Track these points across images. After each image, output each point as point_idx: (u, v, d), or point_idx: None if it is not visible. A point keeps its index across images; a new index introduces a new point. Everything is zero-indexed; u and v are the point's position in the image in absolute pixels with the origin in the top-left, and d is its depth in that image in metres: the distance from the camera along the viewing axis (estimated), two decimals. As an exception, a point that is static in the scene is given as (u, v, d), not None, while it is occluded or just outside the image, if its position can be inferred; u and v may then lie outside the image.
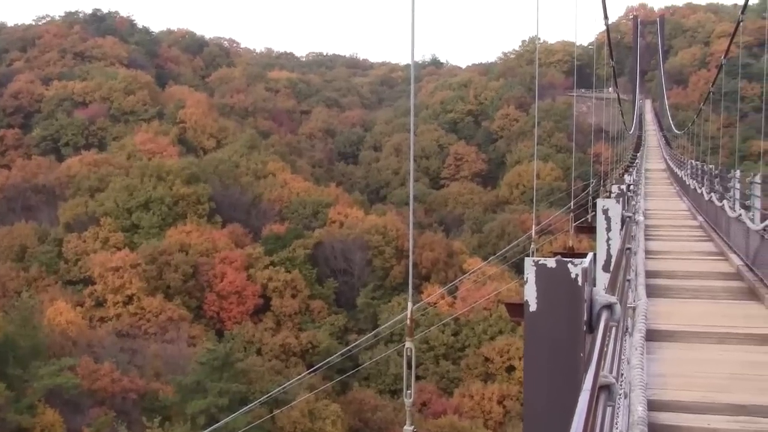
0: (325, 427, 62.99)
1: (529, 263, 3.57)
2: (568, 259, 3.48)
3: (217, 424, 48.39)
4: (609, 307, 3.56)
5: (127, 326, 79.16)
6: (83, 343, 73.01)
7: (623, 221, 13.23)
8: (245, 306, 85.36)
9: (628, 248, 10.01)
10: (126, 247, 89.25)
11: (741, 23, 38.23)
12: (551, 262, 3.52)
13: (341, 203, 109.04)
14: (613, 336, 4.75)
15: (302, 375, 57.72)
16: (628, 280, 8.88)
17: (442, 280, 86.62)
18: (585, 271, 3.46)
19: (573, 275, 3.47)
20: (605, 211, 14.42)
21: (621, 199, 14.16)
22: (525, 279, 3.54)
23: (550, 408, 2.78)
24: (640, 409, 4.45)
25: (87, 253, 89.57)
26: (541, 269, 3.53)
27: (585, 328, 3.48)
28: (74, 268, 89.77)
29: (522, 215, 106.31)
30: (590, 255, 3.81)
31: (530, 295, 3.51)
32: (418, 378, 74.38)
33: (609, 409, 4.19)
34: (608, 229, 14.43)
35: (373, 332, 65.80)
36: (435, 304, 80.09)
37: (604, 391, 3.06)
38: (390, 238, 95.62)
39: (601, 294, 3.62)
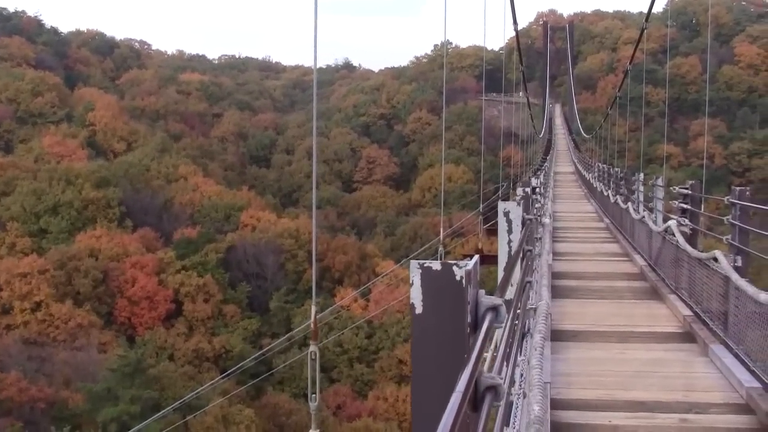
0: (239, 432, 62.53)
1: (414, 266, 3.57)
2: (453, 262, 3.51)
3: (128, 432, 47.75)
4: (494, 309, 3.61)
5: (35, 334, 77.24)
6: (-12, 351, 71.28)
7: (524, 223, 13.44)
8: (157, 311, 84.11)
9: (529, 250, 10.16)
10: (34, 253, 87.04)
11: (645, 30, 39.10)
12: (436, 265, 3.54)
13: (253, 207, 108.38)
14: (505, 337, 4.83)
15: (215, 380, 57.22)
16: (529, 282, 9.03)
17: (355, 284, 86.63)
18: (469, 273, 3.50)
19: (458, 277, 3.49)
20: (506, 214, 14.62)
21: (522, 201, 14.35)
22: (411, 282, 3.55)
23: (436, 410, 2.80)
24: (536, 409, 4.54)
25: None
26: (426, 272, 3.54)
27: (468, 331, 3.51)
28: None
29: (434, 218, 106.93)
30: (476, 257, 3.85)
31: (416, 297, 3.53)
32: (332, 381, 74.45)
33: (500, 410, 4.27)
34: (509, 232, 14.61)
35: (285, 336, 65.52)
36: (348, 307, 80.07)
37: (490, 391, 3.10)
38: (303, 241, 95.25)
39: (486, 296, 3.67)
